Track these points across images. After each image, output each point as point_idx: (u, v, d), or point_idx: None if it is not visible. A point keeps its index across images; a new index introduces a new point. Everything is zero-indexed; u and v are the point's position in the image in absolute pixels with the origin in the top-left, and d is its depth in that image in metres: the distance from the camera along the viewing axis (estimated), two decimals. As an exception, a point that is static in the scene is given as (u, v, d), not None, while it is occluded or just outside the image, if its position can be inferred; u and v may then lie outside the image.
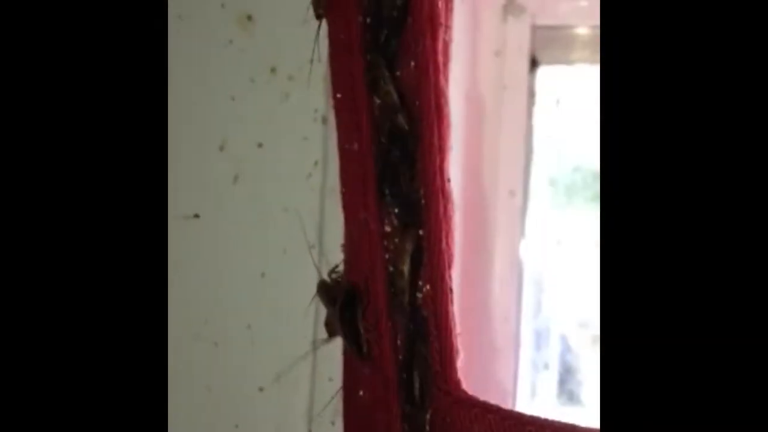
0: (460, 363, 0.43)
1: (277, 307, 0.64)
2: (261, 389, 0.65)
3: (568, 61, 0.92)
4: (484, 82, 0.86)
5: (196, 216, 0.66)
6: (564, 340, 0.90)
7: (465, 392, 0.45)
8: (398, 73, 0.43)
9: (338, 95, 0.43)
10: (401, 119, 0.43)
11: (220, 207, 0.66)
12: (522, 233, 0.85)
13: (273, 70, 0.64)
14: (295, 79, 0.63)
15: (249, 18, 0.65)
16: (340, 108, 0.43)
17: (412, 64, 0.42)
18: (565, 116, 0.93)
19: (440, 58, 0.43)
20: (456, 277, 0.79)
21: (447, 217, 0.41)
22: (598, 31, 0.89)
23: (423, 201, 0.41)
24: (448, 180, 0.43)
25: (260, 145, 0.65)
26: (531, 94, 0.89)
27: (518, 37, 0.86)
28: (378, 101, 0.43)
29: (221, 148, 0.66)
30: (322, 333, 0.59)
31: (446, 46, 0.47)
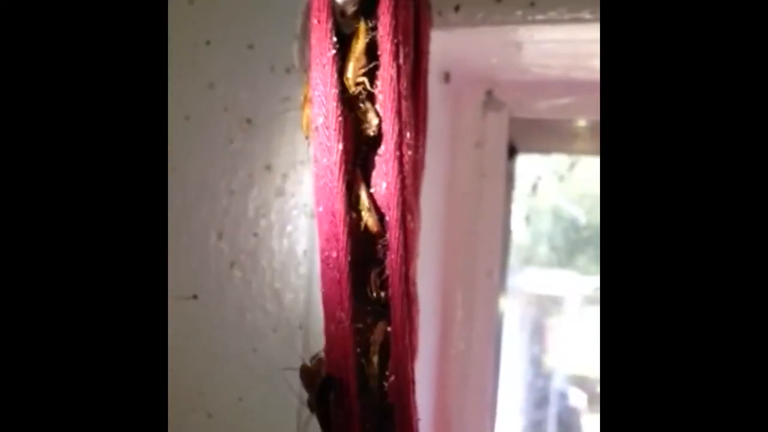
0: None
1: (267, 381, 0.69)
2: (251, 458, 0.69)
3: (545, 150, 0.99)
4: (465, 171, 0.91)
5: (195, 297, 0.71)
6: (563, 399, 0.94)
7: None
8: (372, 190, 0.49)
9: (320, 209, 0.48)
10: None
11: (218, 289, 0.71)
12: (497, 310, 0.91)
13: (268, 167, 0.70)
14: (288, 176, 0.69)
15: (248, 121, 0.71)
16: (321, 220, 0.48)
17: (384, 184, 0.48)
18: (541, 199, 1.00)
19: (408, 179, 0.49)
20: (434, 353, 0.85)
21: (410, 317, 0.47)
22: (573, 124, 0.97)
23: (390, 302, 0.47)
24: (414, 284, 0.49)
25: (255, 235, 0.71)
26: (510, 180, 0.95)
27: (497, 129, 0.92)
28: (355, 215, 0.49)
29: (220, 237, 0.71)
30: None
31: (416, 164, 0.53)
